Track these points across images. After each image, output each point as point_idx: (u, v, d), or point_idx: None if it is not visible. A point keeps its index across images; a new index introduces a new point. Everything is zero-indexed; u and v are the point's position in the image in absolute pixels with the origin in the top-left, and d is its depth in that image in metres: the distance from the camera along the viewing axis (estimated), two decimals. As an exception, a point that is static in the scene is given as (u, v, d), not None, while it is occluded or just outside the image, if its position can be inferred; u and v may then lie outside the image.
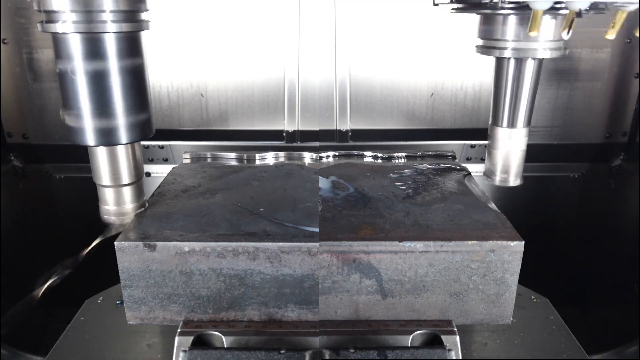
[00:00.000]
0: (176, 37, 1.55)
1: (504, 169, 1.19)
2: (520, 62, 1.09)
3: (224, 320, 0.96)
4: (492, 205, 1.08)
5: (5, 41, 1.52)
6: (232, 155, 1.39)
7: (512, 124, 1.15)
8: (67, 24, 0.85)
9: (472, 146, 1.67)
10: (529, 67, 1.09)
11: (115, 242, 0.92)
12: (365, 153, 1.41)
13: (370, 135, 1.65)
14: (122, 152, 0.98)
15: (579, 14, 0.89)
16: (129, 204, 1.02)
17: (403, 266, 0.93)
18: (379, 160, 1.39)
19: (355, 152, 1.42)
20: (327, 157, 1.40)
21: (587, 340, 1.16)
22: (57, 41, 0.88)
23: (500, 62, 1.12)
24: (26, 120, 1.62)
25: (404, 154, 1.40)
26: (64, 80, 0.90)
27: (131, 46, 0.91)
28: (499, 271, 0.94)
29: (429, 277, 0.94)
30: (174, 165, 1.36)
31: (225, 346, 0.92)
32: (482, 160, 1.68)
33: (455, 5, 1.12)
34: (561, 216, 1.77)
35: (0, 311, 1.41)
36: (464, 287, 0.95)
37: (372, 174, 1.27)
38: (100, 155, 0.97)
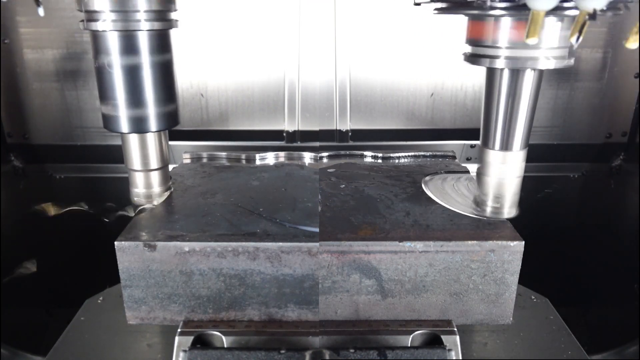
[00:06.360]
0: (176, 37, 1.55)
1: (496, 199, 1.01)
2: (516, 74, 0.90)
3: (224, 320, 0.96)
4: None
5: (6, 41, 1.52)
6: (232, 155, 1.40)
7: (506, 146, 0.96)
8: (107, 23, 0.93)
9: (472, 146, 1.66)
10: (528, 80, 0.90)
11: (115, 242, 0.92)
12: (365, 153, 1.41)
13: (370, 135, 1.65)
14: (151, 139, 1.05)
15: (592, 15, 0.72)
16: (156, 187, 1.10)
17: (403, 266, 0.93)
18: (379, 160, 1.39)
19: (355, 152, 1.42)
20: (327, 157, 1.40)
21: (587, 340, 1.16)
22: (97, 38, 0.96)
23: (491, 74, 0.93)
24: (26, 120, 1.61)
25: (403, 154, 1.40)
26: (101, 74, 0.98)
27: (161, 43, 1.00)
28: (499, 271, 0.94)
29: (429, 277, 0.94)
30: (174, 165, 1.36)
31: (225, 346, 0.92)
32: (482, 160, 1.68)
33: (438, 5, 0.97)
34: (561, 216, 1.76)
35: (0, 311, 1.41)
36: (464, 287, 0.95)
37: (372, 173, 1.27)
38: (132, 142, 1.05)
